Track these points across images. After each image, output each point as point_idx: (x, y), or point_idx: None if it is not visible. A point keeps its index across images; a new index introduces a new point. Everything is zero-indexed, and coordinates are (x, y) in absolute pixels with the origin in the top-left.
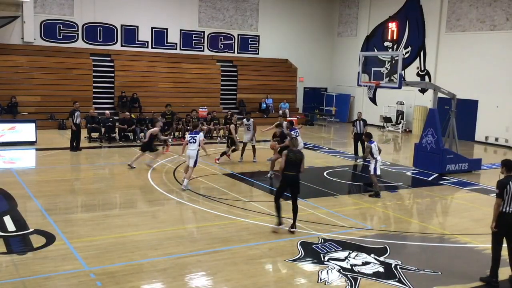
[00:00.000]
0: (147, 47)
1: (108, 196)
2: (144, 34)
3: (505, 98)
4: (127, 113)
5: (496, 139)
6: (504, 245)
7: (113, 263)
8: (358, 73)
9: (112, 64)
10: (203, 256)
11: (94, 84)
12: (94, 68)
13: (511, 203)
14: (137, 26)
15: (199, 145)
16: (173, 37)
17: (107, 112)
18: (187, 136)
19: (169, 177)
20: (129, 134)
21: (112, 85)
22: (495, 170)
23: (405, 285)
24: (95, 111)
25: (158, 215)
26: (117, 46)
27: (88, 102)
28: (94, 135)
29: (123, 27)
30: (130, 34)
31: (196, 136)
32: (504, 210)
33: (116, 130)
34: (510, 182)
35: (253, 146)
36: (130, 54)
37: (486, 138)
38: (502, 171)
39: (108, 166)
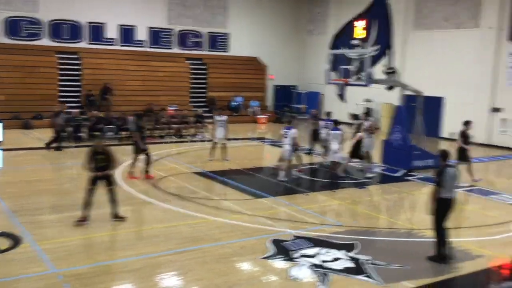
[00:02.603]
0: (115, 44)
1: (76, 196)
2: (112, 32)
3: (470, 95)
4: (95, 111)
5: None
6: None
7: (82, 265)
8: (327, 71)
9: (79, 62)
10: (174, 255)
11: (60, 83)
12: (60, 66)
13: (450, 189)
14: (105, 23)
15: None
16: (142, 34)
17: (75, 111)
18: (282, 131)
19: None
20: (98, 133)
21: (79, 84)
22: (460, 166)
23: (374, 280)
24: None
25: (127, 215)
26: (84, 44)
27: (54, 101)
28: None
29: (89, 24)
30: (97, 31)
31: (288, 132)
32: (444, 196)
33: (84, 129)
34: (447, 170)
35: (224, 144)
36: (97, 51)
37: (452, 134)
38: (440, 161)
39: (75, 166)
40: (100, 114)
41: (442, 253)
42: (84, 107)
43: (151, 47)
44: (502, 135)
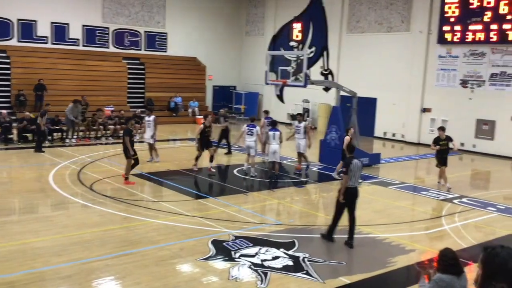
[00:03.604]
0: (47, 42)
1: (5, 201)
2: (43, 29)
3: (401, 96)
4: (27, 112)
5: (394, 135)
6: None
7: (13, 272)
8: (266, 71)
9: (8, 60)
10: (111, 260)
11: None
12: None
13: (355, 179)
14: (35, 21)
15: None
16: (75, 32)
17: (4, 111)
18: (245, 128)
19: (73, 179)
20: (29, 135)
21: (9, 83)
22: (393, 164)
23: (312, 277)
24: None
25: (61, 220)
26: (14, 42)
27: None
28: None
29: (19, 21)
30: (27, 29)
31: (253, 129)
32: (349, 185)
33: (14, 131)
34: (352, 162)
35: (152, 145)
36: (28, 50)
37: (385, 133)
38: (347, 154)
39: (5, 170)
40: (31, 115)
41: (331, 232)
42: (14, 107)
43: (85, 46)
44: (431, 134)
